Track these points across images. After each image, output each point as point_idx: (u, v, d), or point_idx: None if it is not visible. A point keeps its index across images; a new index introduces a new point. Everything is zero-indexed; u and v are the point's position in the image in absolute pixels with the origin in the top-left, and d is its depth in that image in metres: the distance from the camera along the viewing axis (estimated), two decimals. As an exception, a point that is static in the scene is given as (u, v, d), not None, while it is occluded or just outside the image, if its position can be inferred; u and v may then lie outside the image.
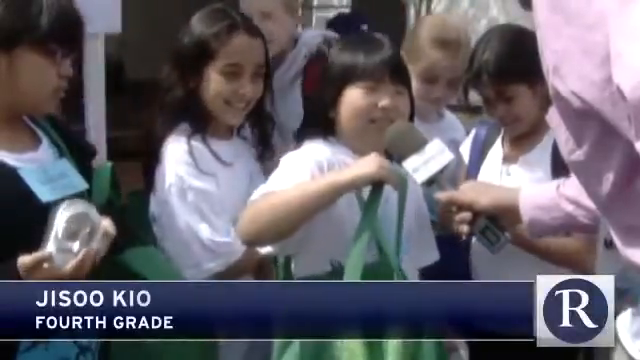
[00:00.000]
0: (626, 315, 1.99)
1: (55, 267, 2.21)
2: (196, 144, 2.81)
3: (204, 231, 2.75)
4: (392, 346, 2.38)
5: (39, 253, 2.22)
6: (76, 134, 2.70)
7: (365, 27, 3.89)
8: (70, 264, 2.22)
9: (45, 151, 2.46)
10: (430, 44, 3.29)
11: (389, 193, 2.56)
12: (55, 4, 2.39)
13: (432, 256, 2.84)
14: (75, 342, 2.37)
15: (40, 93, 2.42)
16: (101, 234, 2.30)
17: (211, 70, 2.86)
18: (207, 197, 2.77)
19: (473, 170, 3.14)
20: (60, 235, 2.24)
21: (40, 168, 2.40)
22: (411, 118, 2.73)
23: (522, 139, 3.11)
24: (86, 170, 2.53)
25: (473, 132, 3.27)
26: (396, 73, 2.67)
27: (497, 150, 3.16)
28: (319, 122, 2.71)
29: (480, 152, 3.18)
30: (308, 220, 2.47)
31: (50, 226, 2.25)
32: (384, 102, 2.62)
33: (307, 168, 2.58)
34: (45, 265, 2.20)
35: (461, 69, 3.25)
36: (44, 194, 2.35)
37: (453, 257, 3.00)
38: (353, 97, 2.64)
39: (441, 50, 3.27)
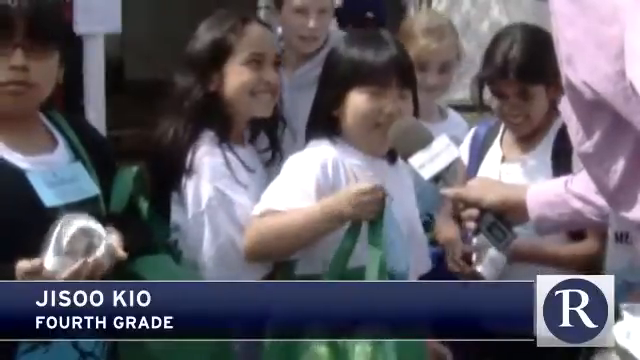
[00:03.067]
0: (627, 324, 1.97)
1: (50, 276, 2.16)
2: (230, 155, 2.77)
3: (243, 244, 2.73)
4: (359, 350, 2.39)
5: (36, 262, 2.17)
6: (98, 135, 2.64)
7: (370, 14, 3.82)
8: (65, 272, 2.17)
9: (60, 153, 2.42)
10: (417, 33, 3.33)
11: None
12: None
13: (424, 266, 2.85)
14: (76, 346, 2.33)
15: None
16: (104, 247, 2.24)
17: (231, 66, 2.81)
18: (245, 210, 2.74)
19: (472, 170, 3.13)
20: (58, 251, 2.19)
21: (50, 171, 2.35)
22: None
23: (521, 140, 3.10)
24: (106, 173, 2.48)
25: (472, 132, 3.27)
26: (401, 77, 2.67)
27: (495, 151, 3.16)
28: (324, 120, 2.71)
29: (479, 152, 3.17)
30: (313, 243, 2.54)
31: (48, 241, 2.19)
32: (389, 108, 2.62)
33: (312, 175, 2.59)
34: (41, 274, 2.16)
35: (450, 54, 3.35)
36: (50, 198, 2.31)
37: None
38: (358, 102, 2.64)
39: (427, 36, 3.32)
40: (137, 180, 2.53)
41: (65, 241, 2.19)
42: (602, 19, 1.71)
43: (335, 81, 2.69)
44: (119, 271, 2.31)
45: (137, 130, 3.02)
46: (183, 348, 2.39)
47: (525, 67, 3.00)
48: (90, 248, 2.22)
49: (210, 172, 2.73)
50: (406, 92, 2.67)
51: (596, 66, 1.74)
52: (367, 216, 2.49)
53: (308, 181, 2.58)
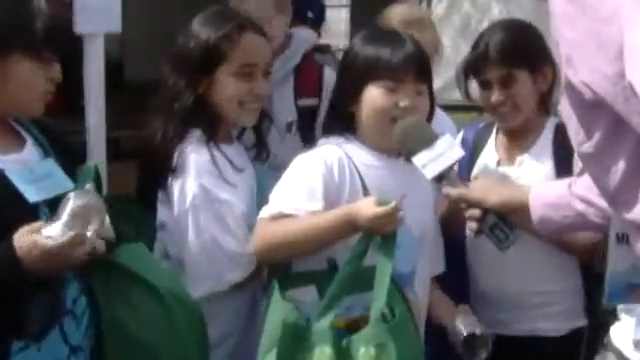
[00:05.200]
0: (622, 325, 1.97)
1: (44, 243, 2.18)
2: (217, 153, 2.79)
3: (228, 243, 2.74)
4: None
5: (36, 224, 2.20)
6: (60, 135, 2.66)
7: (311, 14, 3.84)
8: (63, 238, 2.18)
9: (29, 151, 2.45)
10: (397, 26, 3.31)
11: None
12: (44, 10, 2.38)
13: (438, 268, 2.87)
14: (66, 341, 2.36)
15: (31, 97, 2.42)
16: (101, 225, 2.28)
17: (223, 73, 2.82)
18: (232, 208, 2.76)
19: (464, 174, 3.10)
20: (70, 221, 2.21)
21: (26, 168, 2.38)
22: (430, 115, 2.74)
23: (517, 141, 3.09)
24: (71, 171, 2.50)
25: (460, 136, 3.25)
26: (418, 72, 2.68)
27: (489, 154, 3.14)
28: (340, 116, 2.72)
29: (470, 156, 3.15)
30: (323, 249, 2.55)
31: (60, 213, 2.23)
32: (405, 103, 2.64)
33: (318, 176, 2.59)
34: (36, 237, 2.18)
35: (431, 47, 3.33)
36: (32, 194, 2.33)
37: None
38: (374, 96, 2.65)
39: (408, 28, 3.30)
40: (96, 177, 2.53)
41: (66, 213, 2.21)
42: (602, 19, 1.71)
43: (352, 77, 2.71)
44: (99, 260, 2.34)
45: (137, 130, 3.01)
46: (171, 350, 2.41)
47: (506, 48, 3.00)
48: (88, 222, 2.23)
49: (195, 170, 2.74)
50: (422, 88, 2.69)
51: (596, 66, 1.74)
52: (381, 233, 2.49)
53: (315, 181, 2.59)
